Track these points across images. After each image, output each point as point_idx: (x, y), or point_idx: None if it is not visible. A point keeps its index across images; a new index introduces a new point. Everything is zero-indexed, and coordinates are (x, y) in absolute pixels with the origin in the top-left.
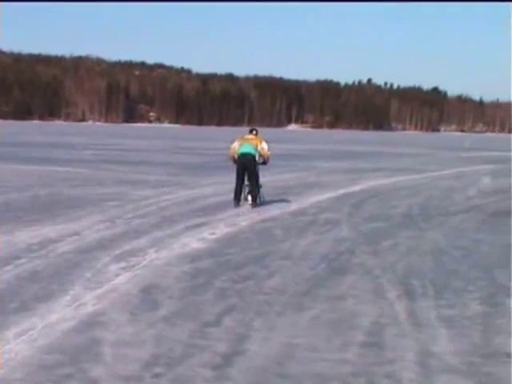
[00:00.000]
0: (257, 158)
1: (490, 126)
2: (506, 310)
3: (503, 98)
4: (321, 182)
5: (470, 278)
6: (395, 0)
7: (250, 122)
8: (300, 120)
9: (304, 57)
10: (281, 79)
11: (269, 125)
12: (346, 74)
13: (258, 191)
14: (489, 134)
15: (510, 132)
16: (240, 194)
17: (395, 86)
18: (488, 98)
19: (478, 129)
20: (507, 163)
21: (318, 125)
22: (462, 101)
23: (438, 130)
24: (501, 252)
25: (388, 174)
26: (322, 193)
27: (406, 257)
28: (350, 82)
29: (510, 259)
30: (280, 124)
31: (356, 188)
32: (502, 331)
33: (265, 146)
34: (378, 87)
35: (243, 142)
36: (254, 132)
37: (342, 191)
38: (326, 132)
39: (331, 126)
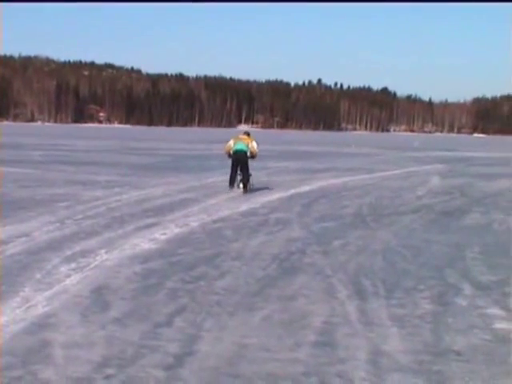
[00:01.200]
0: (248, 154)
1: (439, 126)
2: (455, 309)
3: (452, 99)
4: (271, 182)
5: (420, 277)
6: (344, 0)
7: (200, 122)
8: (250, 120)
9: (254, 57)
10: (231, 79)
11: (219, 125)
12: (296, 74)
13: (248, 180)
14: (438, 134)
15: (458, 132)
16: (234, 182)
17: (345, 87)
18: (437, 98)
19: (427, 129)
20: (456, 163)
21: (268, 125)
22: (412, 101)
23: (388, 130)
24: (450, 251)
25: (338, 174)
26: (272, 193)
27: (357, 256)
28: (300, 83)
29: (459, 258)
30: (230, 124)
31: (307, 188)
32: (452, 329)
33: (254, 144)
34: (328, 87)
35: (237, 140)
36: (247, 134)
37: (292, 191)
38: (276, 132)
39: (281, 126)
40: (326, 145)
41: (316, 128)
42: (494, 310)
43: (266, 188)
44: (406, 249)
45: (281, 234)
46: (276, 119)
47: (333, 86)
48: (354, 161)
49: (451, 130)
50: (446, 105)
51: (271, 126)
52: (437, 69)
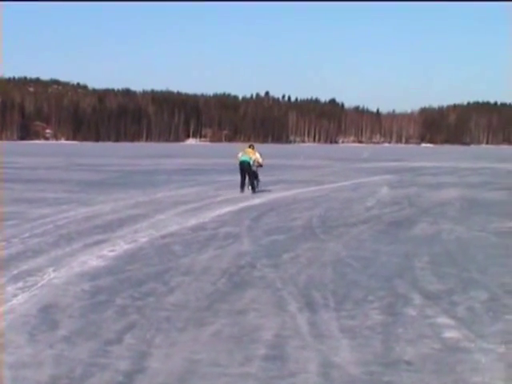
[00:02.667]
0: (251, 164)
1: (387, 136)
2: (405, 319)
3: (399, 109)
4: (220, 196)
5: (369, 288)
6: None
7: (148, 137)
8: (198, 134)
9: (201, 71)
10: (178, 93)
11: (167, 140)
12: (243, 87)
13: (257, 184)
14: (386, 145)
15: (406, 142)
16: (243, 186)
17: (293, 99)
18: (384, 109)
19: (375, 140)
20: (404, 173)
21: (216, 138)
22: (360, 112)
23: (337, 142)
24: (399, 261)
25: (288, 186)
26: (221, 207)
27: (307, 269)
28: (248, 96)
29: (408, 268)
30: (178, 139)
31: (256, 201)
32: (402, 339)
33: (258, 155)
34: (276, 100)
35: (243, 153)
36: (252, 147)
37: (241, 204)
38: (224, 146)
39: (230, 139)
40: (275, 157)
41: (265, 141)
42: (443, 319)
43: (215, 202)
44: (356, 260)
45: (230, 248)
46: (224, 132)
47: (281, 99)
48: (303, 173)
49: (399, 140)
50: (393, 116)
51: (220, 140)
52: (384, 80)
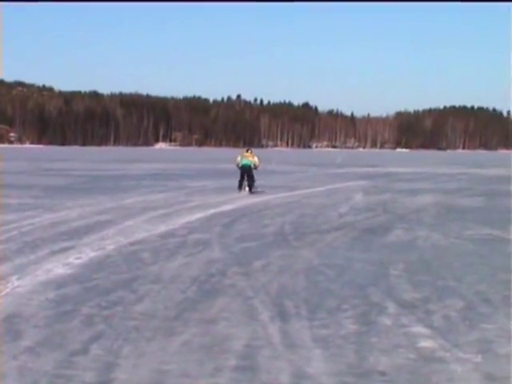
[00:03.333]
0: (252, 166)
1: (362, 141)
2: (379, 328)
3: (374, 113)
4: (190, 202)
5: (343, 297)
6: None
7: (116, 141)
8: (168, 138)
9: (171, 73)
10: (147, 96)
11: (135, 144)
12: (214, 90)
13: (253, 185)
14: (361, 150)
15: (381, 147)
16: (241, 186)
17: (265, 102)
18: (359, 113)
19: (349, 144)
20: (379, 179)
21: (186, 143)
22: (334, 116)
23: (310, 147)
24: (374, 269)
25: (260, 192)
26: (191, 213)
27: (279, 277)
28: (219, 99)
29: (382, 276)
30: (147, 143)
31: (227, 207)
32: (376, 349)
33: (256, 159)
34: (248, 103)
35: (243, 157)
36: (250, 151)
37: (212, 211)
38: (195, 150)
39: (200, 143)
40: None
41: (236, 145)
42: (419, 329)
43: (185, 208)
44: (329, 268)
45: (200, 255)
46: (195, 136)
47: (253, 102)
48: (275, 178)
49: (374, 145)
50: (368, 120)
51: (190, 144)
52: (358, 83)
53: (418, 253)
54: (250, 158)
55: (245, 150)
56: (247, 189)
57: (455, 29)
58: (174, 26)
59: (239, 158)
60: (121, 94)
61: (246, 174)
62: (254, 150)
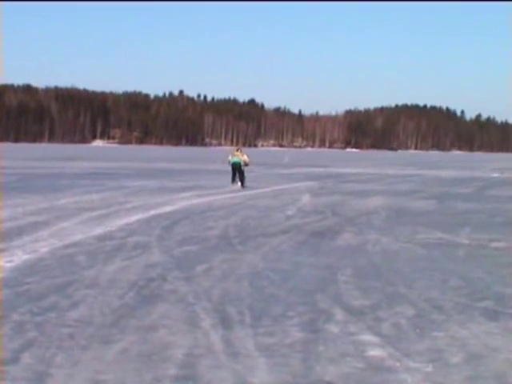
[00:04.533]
0: (242, 164)
1: (310, 140)
2: (327, 336)
3: (323, 111)
4: (129, 203)
5: (289, 303)
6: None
7: (51, 137)
8: (106, 135)
9: (109, 66)
10: (85, 91)
11: (71, 141)
12: (155, 85)
13: (244, 180)
14: (309, 149)
15: (330, 147)
16: (234, 181)
17: (209, 98)
18: (307, 110)
19: (297, 143)
20: (328, 180)
21: (126, 140)
22: (281, 114)
23: (256, 145)
24: (321, 274)
25: (202, 193)
26: (130, 214)
27: (222, 282)
28: (161, 94)
29: (330, 282)
30: (84, 140)
31: (168, 209)
32: (323, 358)
33: (245, 157)
34: (191, 99)
35: (234, 156)
36: (239, 150)
37: (152, 212)
38: (134, 148)
39: (140, 141)
40: (189, 161)
41: (178, 143)
42: (367, 337)
43: (124, 209)
44: (275, 273)
45: (139, 259)
46: (134, 134)
47: (196, 98)
48: (219, 179)
49: (323, 144)
50: (316, 118)
51: (129, 142)
52: (306, 79)
53: (367, 257)
54: (240, 156)
55: (235, 149)
56: (239, 183)
57: (407, 24)
58: (112, 16)
59: (230, 157)
60: (56, 88)
61: (237, 171)
62: (196, 148)
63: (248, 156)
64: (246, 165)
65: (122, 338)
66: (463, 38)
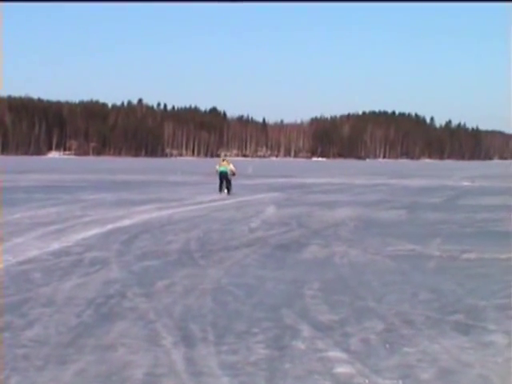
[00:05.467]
0: (228, 173)
1: (275, 149)
2: (293, 353)
3: (288, 120)
4: (87, 217)
5: (254, 319)
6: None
7: (4, 149)
8: (62, 147)
9: (65, 74)
10: (39, 100)
11: (26, 153)
12: (113, 93)
13: (230, 188)
14: (273, 159)
15: (296, 156)
16: (221, 189)
17: (169, 107)
18: (271, 118)
19: (261, 153)
20: (293, 190)
21: (83, 152)
22: (244, 122)
23: (218, 156)
24: (287, 288)
25: (163, 205)
26: (88, 228)
27: (184, 298)
28: (119, 103)
29: (296, 296)
30: (39, 152)
31: (127, 222)
32: (289, 376)
33: (232, 166)
34: (150, 108)
35: (220, 165)
36: (225, 160)
37: (110, 226)
38: (92, 160)
39: (98, 152)
40: (149, 173)
41: (137, 154)
42: (335, 353)
43: (81, 223)
44: (239, 288)
45: (98, 275)
46: (92, 145)
47: (155, 107)
48: (180, 191)
49: (288, 153)
50: (281, 126)
51: (86, 153)
52: (270, 86)
53: (334, 270)
54: (226, 165)
55: (221, 159)
56: (226, 191)
57: (374, 29)
58: (66, 22)
59: (217, 166)
60: (9, 98)
61: (224, 179)
62: (156, 159)
63: (234, 165)
64: (233, 174)
65: (79, 358)
66: (432, 42)
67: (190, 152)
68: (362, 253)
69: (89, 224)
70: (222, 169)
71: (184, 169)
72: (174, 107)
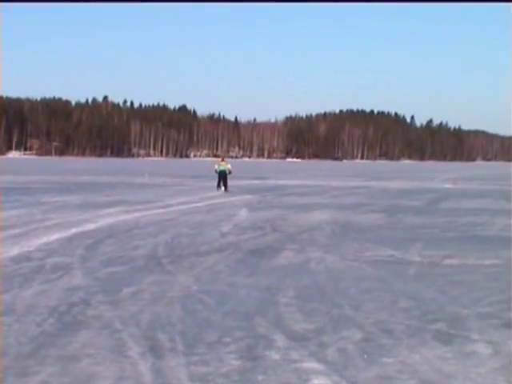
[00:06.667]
0: (227, 172)
1: (247, 149)
2: (266, 364)
3: (261, 118)
4: (49, 220)
5: (225, 328)
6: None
7: None
8: (23, 146)
9: (25, 70)
10: None
11: None
12: (77, 90)
13: (227, 185)
14: (246, 160)
15: (270, 157)
16: (219, 186)
17: (136, 105)
18: (244, 117)
19: (233, 153)
20: (267, 193)
21: (44, 151)
22: (215, 121)
23: (188, 156)
24: (260, 296)
25: (129, 208)
26: (50, 233)
27: (152, 306)
28: (83, 101)
29: (270, 304)
30: None
31: (91, 226)
32: None
33: (229, 166)
34: (116, 106)
35: (219, 165)
36: (223, 160)
37: (74, 230)
38: (54, 160)
39: (61, 152)
40: (115, 174)
41: (102, 154)
42: (311, 364)
43: (42, 227)
44: (209, 295)
45: (60, 281)
46: (54, 144)
47: (121, 105)
48: (147, 193)
49: (261, 154)
50: (254, 125)
51: (48, 153)
52: (242, 83)
53: (310, 277)
54: (225, 165)
55: (220, 159)
56: (223, 188)
57: (351, 26)
58: (26, 15)
59: (216, 166)
60: None
61: (223, 178)
62: (122, 159)
63: (231, 164)
64: (230, 172)
65: (40, 369)
66: (410, 38)
67: (158, 152)
68: (339, 258)
69: (51, 228)
70: (221, 168)
71: (151, 170)
72: (141, 105)
